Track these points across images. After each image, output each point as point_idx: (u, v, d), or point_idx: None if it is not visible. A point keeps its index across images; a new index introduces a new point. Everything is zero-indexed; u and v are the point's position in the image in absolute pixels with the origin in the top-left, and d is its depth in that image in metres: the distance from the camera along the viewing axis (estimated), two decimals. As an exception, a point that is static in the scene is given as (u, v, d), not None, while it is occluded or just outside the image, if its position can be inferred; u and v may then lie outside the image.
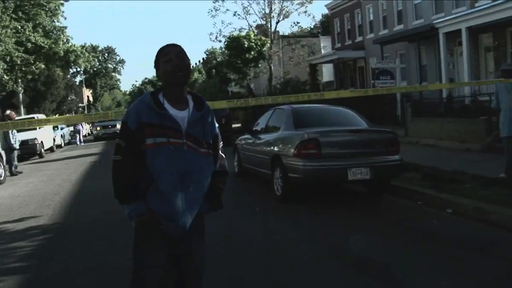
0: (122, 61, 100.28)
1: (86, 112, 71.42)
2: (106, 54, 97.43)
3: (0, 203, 10.80)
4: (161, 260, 2.90)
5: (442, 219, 7.17)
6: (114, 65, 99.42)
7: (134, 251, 2.99)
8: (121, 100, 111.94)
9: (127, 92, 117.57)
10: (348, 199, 9.10)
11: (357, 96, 10.38)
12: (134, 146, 2.82)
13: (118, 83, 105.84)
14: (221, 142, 3.17)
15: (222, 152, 3.16)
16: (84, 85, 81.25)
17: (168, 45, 2.95)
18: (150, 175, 2.84)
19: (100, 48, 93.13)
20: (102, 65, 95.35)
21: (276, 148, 9.21)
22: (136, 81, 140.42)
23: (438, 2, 24.67)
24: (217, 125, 3.12)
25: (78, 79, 78.45)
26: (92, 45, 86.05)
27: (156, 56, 2.95)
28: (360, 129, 9.00)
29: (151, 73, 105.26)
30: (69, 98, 59.47)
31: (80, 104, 75.26)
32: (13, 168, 16.18)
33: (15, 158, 16.48)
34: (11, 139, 15.76)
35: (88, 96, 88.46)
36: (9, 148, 15.86)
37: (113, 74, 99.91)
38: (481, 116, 14.20)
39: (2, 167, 14.95)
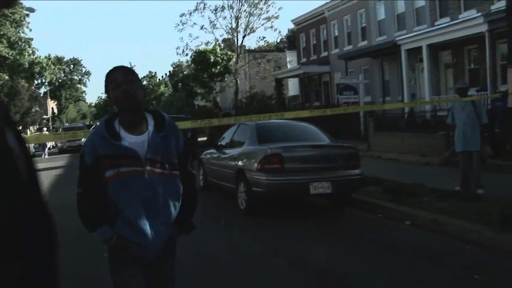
0: (88, 73, 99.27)
1: (50, 123, 70.38)
2: (72, 66, 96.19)
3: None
4: (138, 278, 2.86)
5: (401, 231, 7.43)
6: (79, 77, 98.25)
7: (110, 274, 2.92)
8: (86, 112, 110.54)
9: (93, 104, 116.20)
10: (310, 213, 9.27)
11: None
12: (93, 179, 2.74)
13: (84, 95, 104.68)
14: (190, 158, 3.00)
15: (191, 169, 2.99)
16: (48, 97, 79.99)
17: (114, 69, 2.81)
18: (116, 204, 2.77)
19: (65, 60, 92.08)
20: (68, 76, 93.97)
21: (240, 163, 9.37)
22: (102, 93, 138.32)
23: (400, 20, 25.33)
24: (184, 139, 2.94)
25: (42, 90, 77.21)
26: (57, 56, 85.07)
27: (105, 81, 2.80)
28: (322, 145, 9.25)
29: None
30: (33, 109, 58.57)
31: (44, 116, 74.09)
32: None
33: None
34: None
35: (52, 108, 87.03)
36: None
37: (79, 86, 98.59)
38: (440, 131, 14.65)
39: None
